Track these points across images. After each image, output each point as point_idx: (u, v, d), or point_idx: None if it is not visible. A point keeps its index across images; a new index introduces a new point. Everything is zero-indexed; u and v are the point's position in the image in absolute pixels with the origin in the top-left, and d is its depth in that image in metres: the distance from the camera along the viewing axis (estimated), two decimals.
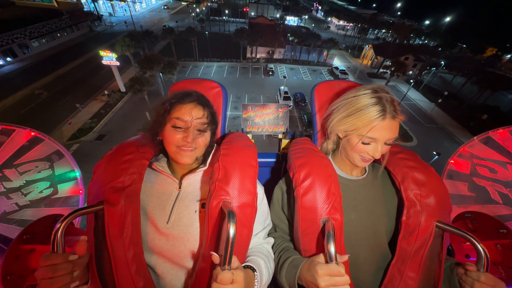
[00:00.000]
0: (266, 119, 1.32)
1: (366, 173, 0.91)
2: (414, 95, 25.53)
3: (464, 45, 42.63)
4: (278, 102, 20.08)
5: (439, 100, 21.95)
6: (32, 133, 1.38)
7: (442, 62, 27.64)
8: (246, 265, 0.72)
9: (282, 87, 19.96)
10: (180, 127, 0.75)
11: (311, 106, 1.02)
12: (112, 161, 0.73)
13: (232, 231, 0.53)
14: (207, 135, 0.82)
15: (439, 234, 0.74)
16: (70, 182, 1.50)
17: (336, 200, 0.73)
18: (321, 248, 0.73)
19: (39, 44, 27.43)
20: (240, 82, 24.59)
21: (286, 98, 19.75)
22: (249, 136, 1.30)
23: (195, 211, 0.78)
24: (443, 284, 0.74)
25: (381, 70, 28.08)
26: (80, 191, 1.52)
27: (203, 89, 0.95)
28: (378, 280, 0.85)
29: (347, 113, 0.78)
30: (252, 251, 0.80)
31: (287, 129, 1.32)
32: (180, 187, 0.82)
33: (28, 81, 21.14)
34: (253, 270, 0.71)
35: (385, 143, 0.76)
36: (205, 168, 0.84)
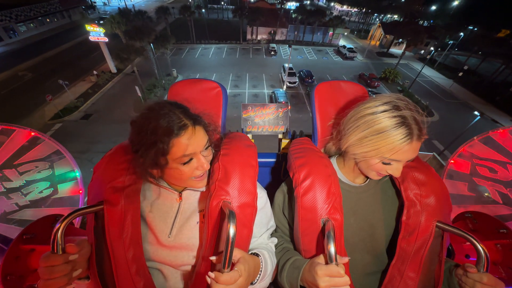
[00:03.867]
0: (266, 119, 1.32)
1: (368, 180, 0.87)
2: (429, 73, 23.80)
3: (475, 28, 40.28)
4: (283, 79, 18.94)
5: (460, 74, 20.11)
6: (32, 133, 1.36)
7: (462, 34, 25.55)
8: (251, 253, 0.73)
9: (286, 64, 18.71)
10: (189, 161, 0.66)
11: (312, 106, 0.98)
12: (112, 161, 0.72)
13: (232, 231, 0.53)
14: (210, 147, 0.73)
15: (439, 234, 0.73)
16: (70, 182, 1.48)
17: (336, 200, 0.72)
18: (321, 248, 0.73)
19: (27, 28, 26.04)
20: (240, 62, 23.03)
21: (291, 74, 18.36)
22: (249, 136, 1.30)
23: (197, 222, 0.76)
24: (442, 286, 0.73)
25: (394, 43, 25.93)
26: (80, 191, 1.51)
27: (203, 90, 0.95)
28: (372, 282, 0.85)
29: (366, 134, 0.69)
30: (256, 247, 0.80)
31: (287, 129, 1.32)
32: (181, 198, 0.78)
33: (12, 63, 19.78)
34: (257, 256, 0.72)
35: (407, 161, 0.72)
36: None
